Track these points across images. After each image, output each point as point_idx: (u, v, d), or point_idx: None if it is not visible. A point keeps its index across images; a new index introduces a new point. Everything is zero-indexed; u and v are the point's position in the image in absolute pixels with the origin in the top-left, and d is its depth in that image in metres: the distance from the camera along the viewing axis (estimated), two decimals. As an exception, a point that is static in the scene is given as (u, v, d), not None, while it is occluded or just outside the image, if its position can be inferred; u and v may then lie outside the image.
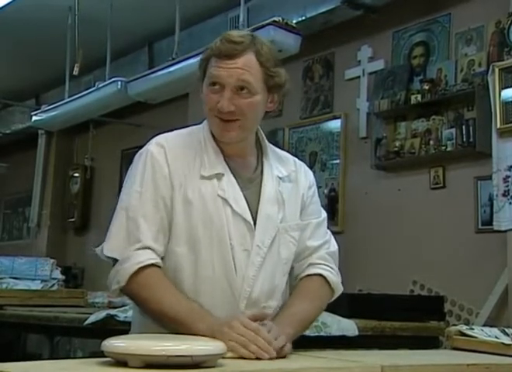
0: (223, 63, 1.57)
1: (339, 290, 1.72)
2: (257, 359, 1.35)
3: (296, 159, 1.81)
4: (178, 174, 1.60)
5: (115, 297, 1.64)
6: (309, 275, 1.68)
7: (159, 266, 1.55)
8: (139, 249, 1.54)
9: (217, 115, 1.59)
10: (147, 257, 1.53)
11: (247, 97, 1.58)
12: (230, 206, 1.59)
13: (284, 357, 1.40)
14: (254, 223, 1.61)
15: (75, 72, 5.03)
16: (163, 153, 1.61)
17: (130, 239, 1.55)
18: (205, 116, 1.66)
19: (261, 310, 1.59)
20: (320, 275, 1.68)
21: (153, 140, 1.66)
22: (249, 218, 1.61)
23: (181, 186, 1.59)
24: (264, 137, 1.74)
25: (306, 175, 1.77)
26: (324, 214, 1.79)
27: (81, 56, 4.99)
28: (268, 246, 1.62)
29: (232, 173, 1.63)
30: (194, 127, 1.72)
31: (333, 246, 1.76)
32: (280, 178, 1.70)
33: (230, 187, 1.61)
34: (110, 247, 1.58)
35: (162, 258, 1.58)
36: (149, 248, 1.55)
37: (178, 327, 1.47)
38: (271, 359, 1.36)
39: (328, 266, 1.70)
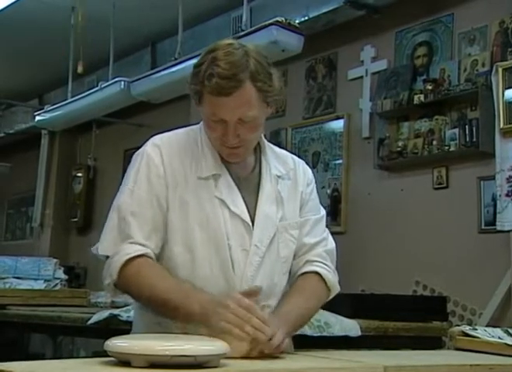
0: (220, 100, 1.50)
1: (335, 289, 1.71)
2: (258, 356, 1.35)
3: (295, 156, 1.80)
4: (174, 174, 1.60)
5: (111, 293, 1.64)
6: (305, 273, 1.68)
7: (149, 257, 1.55)
8: (129, 243, 1.55)
9: (223, 145, 1.58)
10: (136, 249, 1.54)
11: (251, 125, 1.55)
12: (228, 207, 1.59)
13: (281, 352, 1.39)
14: (253, 223, 1.61)
15: (80, 70, 5.00)
16: (158, 152, 1.61)
17: (122, 236, 1.56)
18: (209, 140, 1.63)
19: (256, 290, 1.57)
20: (317, 273, 1.67)
21: (150, 141, 1.66)
22: (247, 218, 1.61)
23: (177, 186, 1.59)
24: (263, 136, 1.72)
25: (304, 173, 1.76)
26: (323, 211, 1.78)
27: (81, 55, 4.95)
28: (266, 246, 1.61)
29: (229, 173, 1.63)
30: (191, 127, 1.71)
31: (331, 243, 1.75)
32: (279, 177, 1.69)
33: (227, 188, 1.61)
34: (104, 246, 1.59)
35: (157, 258, 1.58)
36: (140, 244, 1.55)
37: (172, 311, 1.47)
38: (271, 357, 1.35)
39: (325, 264, 1.69)
